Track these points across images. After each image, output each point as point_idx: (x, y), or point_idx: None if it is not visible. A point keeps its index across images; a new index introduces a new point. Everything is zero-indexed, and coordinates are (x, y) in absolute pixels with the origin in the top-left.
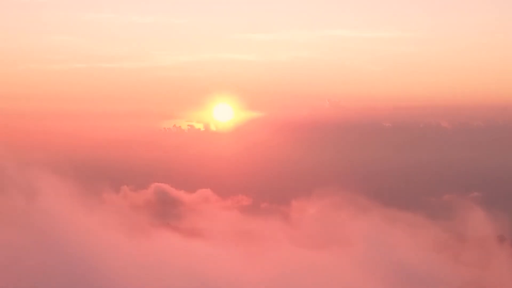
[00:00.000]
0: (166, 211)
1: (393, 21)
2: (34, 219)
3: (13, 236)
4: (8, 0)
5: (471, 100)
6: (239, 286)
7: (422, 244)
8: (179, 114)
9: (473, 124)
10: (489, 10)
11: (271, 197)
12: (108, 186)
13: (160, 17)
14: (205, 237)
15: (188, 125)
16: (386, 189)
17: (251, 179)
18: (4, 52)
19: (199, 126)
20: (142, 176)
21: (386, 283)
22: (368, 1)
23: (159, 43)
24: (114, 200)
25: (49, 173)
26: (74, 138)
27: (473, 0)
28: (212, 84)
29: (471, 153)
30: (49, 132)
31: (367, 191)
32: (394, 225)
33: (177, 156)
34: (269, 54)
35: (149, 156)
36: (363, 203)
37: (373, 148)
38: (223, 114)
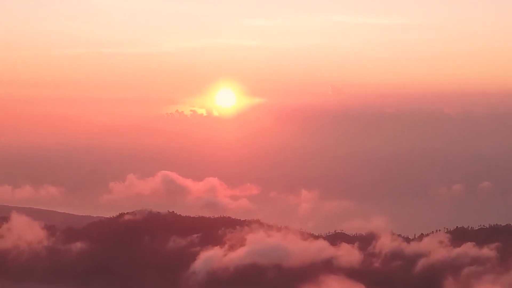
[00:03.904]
0: (175, 200)
1: (396, 8)
2: None
3: None
4: None
5: (474, 87)
6: None
7: None
8: (181, 99)
9: (476, 111)
10: None
11: (279, 186)
12: (115, 174)
13: (163, 3)
14: None
15: (191, 111)
16: (394, 177)
17: (257, 167)
18: (6, 38)
19: (202, 111)
20: (147, 164)
21: None
22: None
23: (162, 29)
24: (121, 188)
25: None
26: (77, 124)
27: None
28: (214, 70)
29: (474, 140)
30: (53, 118)
31: (374, 179)
32: None
33: (182, 143)
34: (272, 40)
35: (153, 142)
36: None
37: (377, 134)
38: (225, 100)
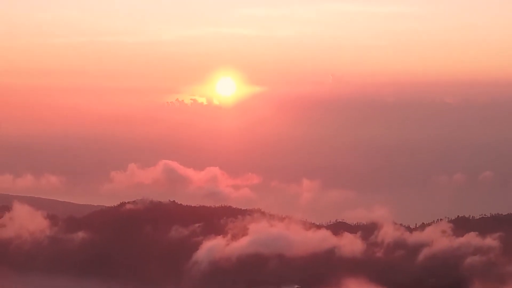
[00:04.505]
0: (176, 190)
1: None
2: None
3: None
4: None
5: (474, 76)
6: None
7: None
8: (181, 88)
9: (477, 100)
10: None
11: (280, 175)
12: (116, 164)
13: None
14: None
15: (191, 99)
16: (394, 166)
17: (258, 156)
18: (6, 27)
19: (202, 100)
20: (148, 153)
21: None
22: None
23: (161, 18)
24: (122, 178)
25: None
26: (77, 113)
27: None
28: (214, 59)
29: (476, 129)
30: (53, 107)
31: (375, 168)
32: None
33: (182, 132)
34: (272, 29)
35: (153, 131)
36: None
37: (378, 124)
38: (225, 89)
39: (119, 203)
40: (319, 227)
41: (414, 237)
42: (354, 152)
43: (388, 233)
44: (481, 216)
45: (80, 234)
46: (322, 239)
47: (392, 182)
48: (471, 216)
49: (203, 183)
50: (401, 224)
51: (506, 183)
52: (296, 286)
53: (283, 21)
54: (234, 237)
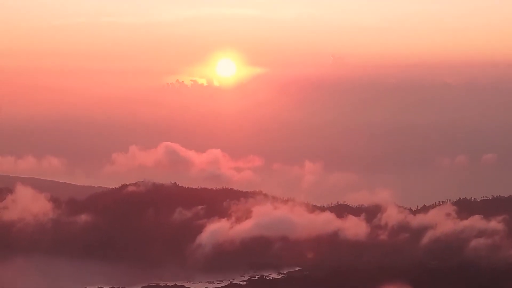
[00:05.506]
0: (178, 172)
1: None
2: None
3: None
4: None
5: (476, 57)
6: None
7: None
8: (181, 69)
9: (478, 81)
10: None
11: (282, 157)
12: (117, 146)
13: None
14: None
15: (191, 80)
16: (398, 149)
17: (260, 138)
18: (6, 10)
19: (202, 81)
20: (149, 135)
21: None
22: None
23: None
24: (124, 160)
25: None
26: (78, 94)
27: None
28: (214, 39)
29: (478, 111)
30: (54, 89)
31: (377, 151)
32: None
33: (183, 114)
34: (273, 10)
35: (154, 113)
36: None
37: (379, 106)
38: (226, 70)
39: (121, 185)
40: (322, 209)
41: (418, 220)
42: (357, 134)
43: (391, 216)
44: (483, 198)
45: (83, 217)
46: (326, 221)
47: (394, 164)
48: (473, 198)
49: (204, 165)
50: (403, 207)
51: (508, 165)
52: (298, 268)
53: (284, 2)
54: (238, 220)
